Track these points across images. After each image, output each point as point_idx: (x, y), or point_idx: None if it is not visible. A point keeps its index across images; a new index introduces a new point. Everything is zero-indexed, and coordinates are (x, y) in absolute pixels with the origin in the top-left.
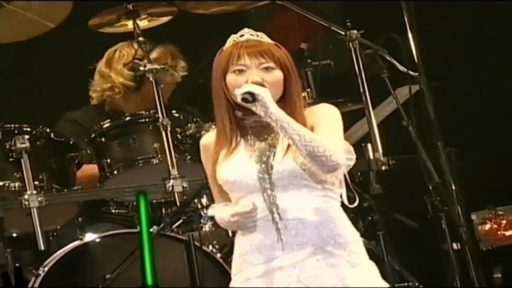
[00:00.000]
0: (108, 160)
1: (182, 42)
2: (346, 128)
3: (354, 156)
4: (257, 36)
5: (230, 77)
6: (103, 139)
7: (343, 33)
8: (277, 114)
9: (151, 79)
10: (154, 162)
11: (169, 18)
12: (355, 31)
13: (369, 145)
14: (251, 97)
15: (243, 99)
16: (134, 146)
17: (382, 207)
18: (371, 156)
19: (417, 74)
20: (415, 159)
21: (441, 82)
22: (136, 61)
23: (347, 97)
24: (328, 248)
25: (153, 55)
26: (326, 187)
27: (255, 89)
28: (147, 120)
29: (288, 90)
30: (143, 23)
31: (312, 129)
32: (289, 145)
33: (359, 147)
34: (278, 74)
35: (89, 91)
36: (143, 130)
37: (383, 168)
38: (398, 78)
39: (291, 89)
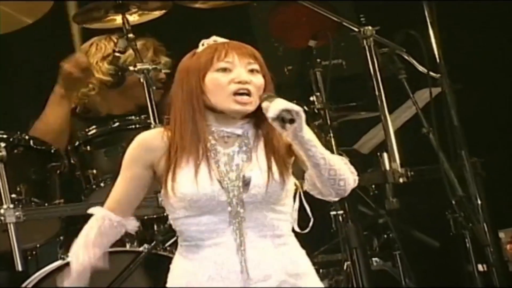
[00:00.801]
0: (94, 171)
1: (176, 38)
2: (359, 136)
3: (357, 178)
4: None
5: (213, 76)
6: (88, 147)
7: (356, 29)
8: (307, 136)
9: (142, 80)
10: None
11: (162, 12)
12: (369, 27)
13: (385, 155)
14: (289, 116)
15: (283, 117)
16: (123, 156)
17: (399, 224)
18: (387, 167)
19: (438, 75)
20: (436, 170)
21: (465, 85)
22: (116, 54)
23: (360, 101)
24: (292, 280)
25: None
26: (286, 210)
27: (296, 108)
28: (137, 126)
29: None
30: (133, 18)
31: (289, 146)
32: (269, 164)
33: (374, 156)
34: (261, 79)
35: None
36: (133, 137)
37: (401, 180)
38: (417, 80)
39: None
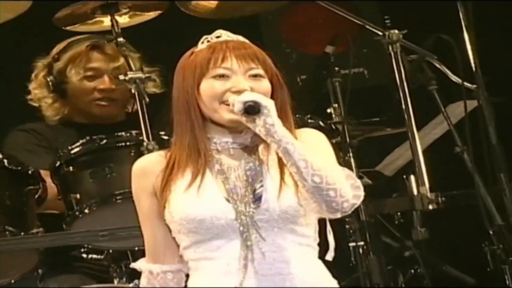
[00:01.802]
0: (78, 195)
1: (173, 43)
2: (383, 155)
3: (362, 194)
4: (237, 38)
5: (208, 84)
6: (71, 168)
7: (380, 33)
8: (281, 132)
9: (133, 91)
10: None
11: (157, 13)
12: (396, 31)
13: (412, 178)
14: (256, 108)
15: (247, 109)
16: (111, 177)
17: (429, 257)
18: (415, 192)
19: (474, 86)
20: (471, 195)
21: (505, 97)
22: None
23: (384, 116)
24: None
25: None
26: (308, 233)
27: (261, 99)
28: (128, 143)
29: (277, 103)
30: (124, 20)
31: None
32: (282, 175)
33: (399, 179)
34: (267, 85)
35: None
36: (123, 157)
37: (430, 207)
38: (450, 92)
39: (281, 106)
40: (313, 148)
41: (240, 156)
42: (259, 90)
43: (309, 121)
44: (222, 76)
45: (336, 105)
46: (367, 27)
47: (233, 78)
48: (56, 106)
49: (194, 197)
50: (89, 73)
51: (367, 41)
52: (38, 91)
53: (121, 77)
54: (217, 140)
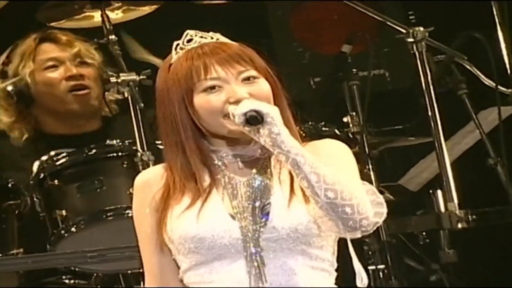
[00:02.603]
0: (64, 212)
1: (171, 40)
2: (406, 168)
3: (384, 211)
4: (211, 38)
5: (202, 99)
6: (56, 181)
7: (404, 30)
8: (290, 143)
9: (126, 95)
10: (129, 215)
11: (153, 8)
12: (421, 28)
13: (439, 193)
14: (259, 117)
15: (249, 119)
16: (101, 192)
17: (457, 282)
18: (442, 209)
19: (510, 91)
20: (505, 213)
21: None
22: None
23: (408, 123)
24: None
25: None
26: (324, 256)
27: (263, 107)
28: (120, 153)
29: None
30: (116, 15)
31: None
32: (292, 190)
33: (425, 194)
34: (265, 85)
35: None
36: (114, 169)
37: (459, 225)
38: (482, 97)
39: (279, 106)
40: (333, 160)
41: (249, 169)
42: (259, 94)
43: (323, 129)
44: (213, 88)
45: (353, 112)
46: (389, 23)
47: (226, 88)
48: (21, 123)
49: (195, 214)
50: (49, 64)
51: (388, 40)
52: None
53: (113, 79)
54: (224, 153)
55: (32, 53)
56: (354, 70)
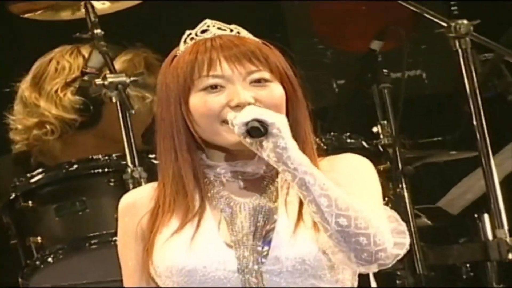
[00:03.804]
0: (39, 239)
1: (174, 36)
2: (447, 187)
3: (407, 242)
4: (231, 30)
5: (198, 99)
6: (30, 202)
7: (444, 24)
8: (298, 159)
9: (113, 100)
10: (116, 243)
11: None
12: (465, 21)
13: (486, 217)
14: (262, 128)
15: (251, 131)
16: (84, 215)
17: None
18: (490, 236)
19: None
20: None
21: None
22: (86, 77)
23: (449, 134)
24: None
25: (116, 66)
26: None
27: (268, 116)
28: (106, 169)
29: (293, 117)
30: (103, 5)
31: None
32: (300, 215)
33: (469, 219)
34: (277, 90)
35: (8, 129)
36: (99, 188)
37: (510, 256)
38: None
39: (296, 115)
40: (351, 180)
41: (251, 189)
42: (267, 101)
43: (348, 141)
44: (214, 87)
45: (384, 121)
46: (427, 15)
47: (229, 89)
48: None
49: (185, 242)
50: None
51: (426, 35)
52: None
53: (98, 81)
54: (222, 169)
55: (130, 70)
56: (385, 70)
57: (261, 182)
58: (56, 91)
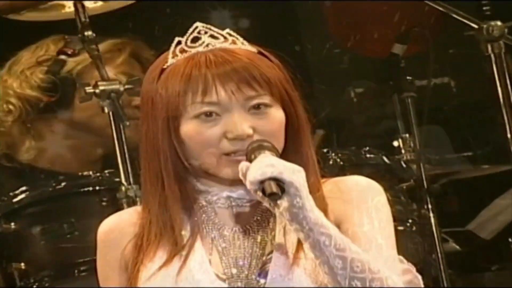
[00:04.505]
0: (22, 265)
1: (166, 35)
2: (477, 208)
3: (417, 281)
4: (225, 38)
5: (191, 127)
6: (12, 224)
7: (475, 25)
8: (313, 219)
9: (106, 110)
10: None
11: None
12: (498, 23)
13: None
14: (279, 191)
15: (266, 191)
16: (72, 238)
17: None
18: None
19: None
20: None
21: None
22: (62, 56)
23: (480, 149)
24: None
25: (100, 47)
26: None
27: (287, 173)
28: (97, 187)
29: (293, 140)
30: (94, 4)
31: (338, 226)
32: (299, 245)
33: (502, 244)
34: (276, 116)
35: None
36: (90, 208)
37: None
38: None
39: (298, 139)
40: (356, 212)
41: (246, 215)
42: (266, 131)
43: (367, 156)
44: (209, 114)
45: (407, 134)
46: (455, 16)
47: (225, 118)
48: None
49: (172, 275)
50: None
51: (454, 38)
52: None
53: (89, 89)
54: (214, 195)
55: (114, 58)
56: (408, 78)
57: (257, 209)
58: (24, 70)
